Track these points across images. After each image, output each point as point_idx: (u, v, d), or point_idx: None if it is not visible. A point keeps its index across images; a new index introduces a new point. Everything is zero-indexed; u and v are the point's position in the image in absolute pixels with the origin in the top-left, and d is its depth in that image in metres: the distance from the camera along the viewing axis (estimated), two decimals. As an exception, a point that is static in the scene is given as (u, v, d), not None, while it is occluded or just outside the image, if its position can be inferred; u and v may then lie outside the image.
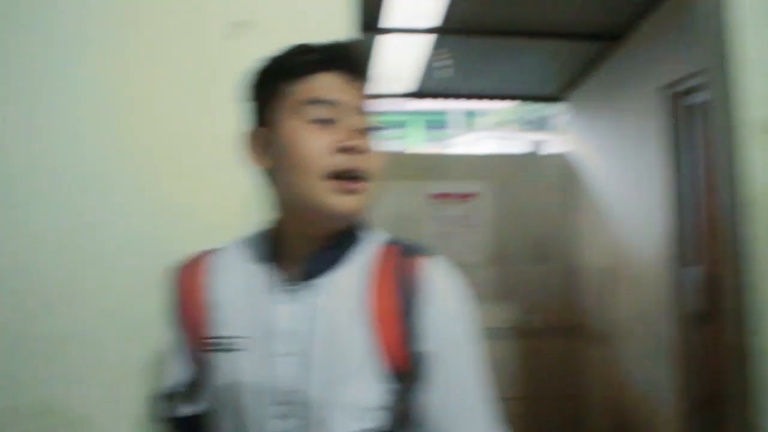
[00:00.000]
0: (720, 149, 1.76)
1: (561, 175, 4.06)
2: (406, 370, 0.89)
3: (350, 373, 0.89)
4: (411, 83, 3.79)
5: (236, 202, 1.43)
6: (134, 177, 1.42)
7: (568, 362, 3.97)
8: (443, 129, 12.83)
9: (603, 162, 3.68)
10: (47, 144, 1.41)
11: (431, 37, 3.19)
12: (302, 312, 0.92)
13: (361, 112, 0.92)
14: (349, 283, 0.93)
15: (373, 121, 0.93)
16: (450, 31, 3.13)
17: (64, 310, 1.39)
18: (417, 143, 12.35)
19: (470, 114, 12.62)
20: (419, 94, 3.98)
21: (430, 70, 3.52)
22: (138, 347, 1.40)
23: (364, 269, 0.94)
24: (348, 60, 0.94)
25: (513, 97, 4.31)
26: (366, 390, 0.88)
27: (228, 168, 1.43)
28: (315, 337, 0.91)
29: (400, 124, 12.21)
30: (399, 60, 3.33)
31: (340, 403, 0.88)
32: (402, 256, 0.94)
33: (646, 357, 3.25)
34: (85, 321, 1.39)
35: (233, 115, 1.43)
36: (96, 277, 1.40)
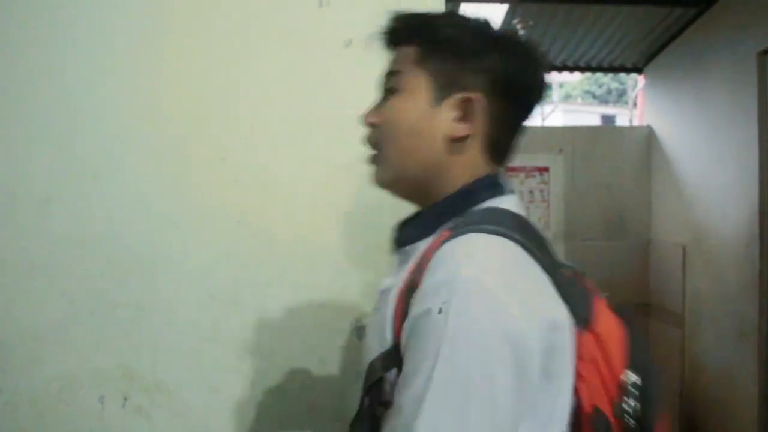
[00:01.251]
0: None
1: (637, 148, 3.94)
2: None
3: (375, 340, 0.87)
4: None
5: (321, 173, 1.44)
6: (216, 148, 1.44)
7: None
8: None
9: (683, 134, 3.55)
10: (129, 115, 1.44)
11: (505, 6, 3.12)
12: (389, 276, 0.95)
13: (382, 82, 0.92)
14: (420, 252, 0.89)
15: (394, 82, 0.91)
16: (527, -1, 3.06)
17: (146, 279, 1.43)
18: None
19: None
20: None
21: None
22: (216, 317, 1.44)
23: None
24: (385, 34, 0.94)
25: (587, 68, 4.18)
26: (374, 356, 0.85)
27: (313, 139, 1.44)
28: (381, 302, 0.92)
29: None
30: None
31: (364, 365, 0.88)
32: (441, 231, 0.87)
33: (724, 337, 3.15)
34: (167, 290, 1.43)
35: (323, 85, 1.44)
36: (177, 246, 1.43)
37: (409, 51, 0.90)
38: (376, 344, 0.85)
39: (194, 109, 1.43)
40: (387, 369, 0.81)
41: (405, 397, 0.74)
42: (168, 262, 1.42)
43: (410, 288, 0.81)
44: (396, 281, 0.90)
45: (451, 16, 0.93)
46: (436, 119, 0.89)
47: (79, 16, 1.42)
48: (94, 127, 1.43)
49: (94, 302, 1.43)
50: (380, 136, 0.92)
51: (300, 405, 1.46)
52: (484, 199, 0.91)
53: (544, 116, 10.85)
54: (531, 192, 3.78)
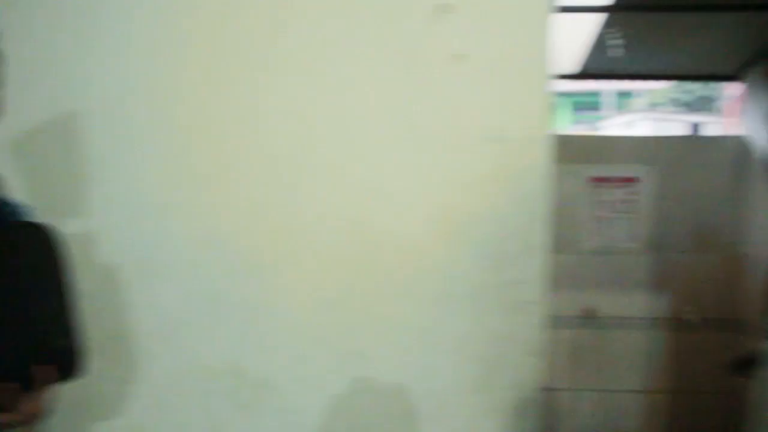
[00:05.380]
0: None
1: (729, 158, 3.81)
2: None
3: None
4: (576, 63, 3.67)
5: (434, 187, 1.47)
6: (330, 157, 1.49)
7: (727, 357, 3.78)
8: (593, 110, 12.40)
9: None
10: (245, 123, 1.52)
11: (603, 15, 3.09)
12: None
13: None
14: None
15: None
16: (627, 7, 3.01)
17: (258, 280, 1.50)
18: (564, 125, 12.05)
19: (622, 95, 12.13)
20: (583, 74, 3.86)
21: (598, 48, 3.42)
22: (323, 318, 1.49)
23: None
24: None
25: (682, 77, 4.10)
26: None
27: (428, 153, 1.48)
28: None
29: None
30: (569, 39, 3.25)
31: None
32: None
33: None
34: (277, 291, 1.50)
35: (431, 99, 1.47)
36: (288, 249, 1.50)
37: None
38: None
39: (307, 117, 1.49)
40: None
41: None
42: (283, 265, 1.49)
43: None
44: None
45: None
46: None
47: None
48: (208, 135, 1.51)
49: (208, 302, 1.52)
50: None
51: (397, 407, 1.49)
52: None
53: (627, 125, 10.61)
54: (620, 202, 3.72)
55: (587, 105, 12.32)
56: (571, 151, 3.73)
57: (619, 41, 3.18)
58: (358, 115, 1.49)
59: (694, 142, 4.24)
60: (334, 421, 1.50)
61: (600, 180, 3.72)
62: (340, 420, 1.50)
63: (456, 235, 1.44)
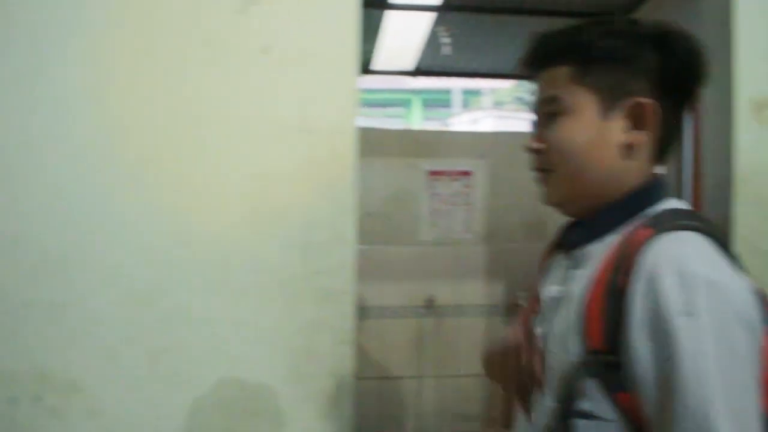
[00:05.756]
0: (710, 129, 1.80)
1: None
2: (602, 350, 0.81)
3: (557, 349, 0.91)
4: (413, 60, 3.78)
5: (242, 179, 1.46)
6: (135, 149, 1.45)
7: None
8: (443, 107, 12.85)
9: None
10: (48, 114, 1.44)
11: (434, 14, 3.19)
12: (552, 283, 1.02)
13: (536, 108, 0.96)
14: (597, 255, 0.90)
15: (554, 107, 0.92)
16: (453, 7, 3.13)
17: (62, 278, 1.43)
18: (416, 121, 12.38)
19: (470, 93, 12.65)
20: (420, 72, 3.98)
21: (432, 47, 3.53)
22: (134, 315, 1.44)
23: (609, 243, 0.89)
24: (530, 58, 0.98)
25: (514, 76, 4.33)
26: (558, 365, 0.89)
27: (233, 146, 1.46)
28: (552, 310, 0.96)
29: (401, 102, 12.24)
30: (402, 37, 3.34)
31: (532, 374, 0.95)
32: (623, 232, 0.87)
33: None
34: (84, 288, 1.43)
35: (240, 91, 1.46)
36: (96, 245, 1.44)
37: (563, 71, 0.91)
38: (560, 353, 0.87)
39: (114, 110, 1.44)
40: (591, 376, 0.81)
41: (683, 398, 0.73)
42: (90, 262, 1.42)
43: (613, 290, 0.81)
44: (574, 287, 0.90)
45: (597, 25, 0.92)
46: (608, 132, 0.90)
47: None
48: (10, 125, 1.42)
49: (10, 302, 1.42)
50: (550, 159, 0.94)
51: (212, 401, 1.47)
52: (656, 200, 0.91)
53: (473, 122, 11.09)
54: (457, 195, 3.87)
55: (438, 102, 12.75)
56: (411, 145, 3.84)
57: (449, 40, 3.31)
58: (167, 108, 1.45)
59: (525, 137, 4.47)
60: (148, 420, 1.46)
61: (437, 173, 3.85)
62: (154, 418, 1.46)
63: (266, 226, 1.44)
